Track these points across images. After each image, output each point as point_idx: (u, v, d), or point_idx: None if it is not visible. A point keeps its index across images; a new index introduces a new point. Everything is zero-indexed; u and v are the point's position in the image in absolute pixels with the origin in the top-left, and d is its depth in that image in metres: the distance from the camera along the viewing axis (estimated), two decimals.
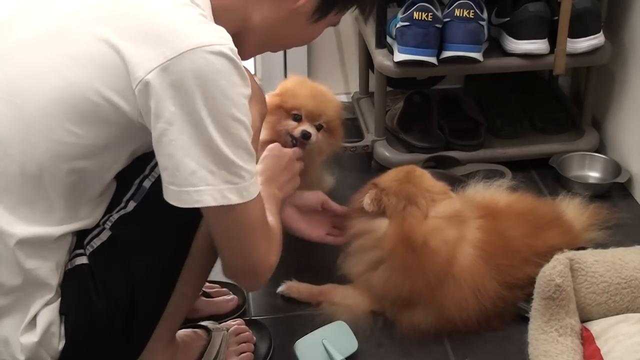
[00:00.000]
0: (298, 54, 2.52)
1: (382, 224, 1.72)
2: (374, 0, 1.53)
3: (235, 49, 1.23)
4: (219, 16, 1.32)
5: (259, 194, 1.31)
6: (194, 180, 1.21)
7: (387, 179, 1.77)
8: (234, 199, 1.24)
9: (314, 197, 1.83)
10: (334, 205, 1.85)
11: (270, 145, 1.70)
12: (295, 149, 1.78)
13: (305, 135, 1.86)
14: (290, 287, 1.86)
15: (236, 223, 1.29)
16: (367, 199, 1.72)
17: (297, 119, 1.88)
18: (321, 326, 1.70)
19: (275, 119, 1.88)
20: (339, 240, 1.84)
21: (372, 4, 1.52)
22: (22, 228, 1.26)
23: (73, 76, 1.22)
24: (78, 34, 1.24)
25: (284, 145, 1.81)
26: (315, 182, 1.97)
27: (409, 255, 1.68)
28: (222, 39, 1.22)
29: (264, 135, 1.81)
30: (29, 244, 1.26)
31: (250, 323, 1.74)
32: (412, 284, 1.70)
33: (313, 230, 1.84)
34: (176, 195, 1.23)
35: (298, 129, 1.87)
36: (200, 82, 1.19)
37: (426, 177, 1.78)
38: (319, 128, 1.89)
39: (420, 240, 1.68)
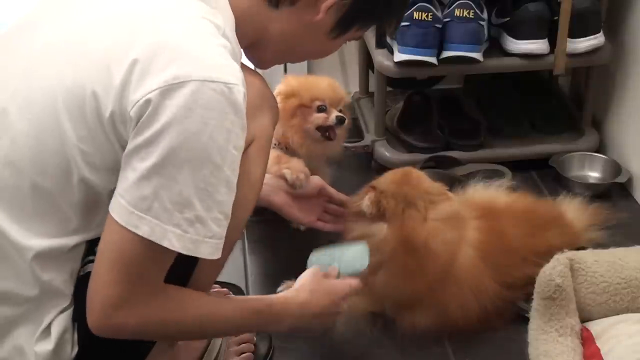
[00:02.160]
0: None
1: (381, 228, 1.71)
2: (398, 17, 1.51)
3: (245, 92, 1.21)
4: (240, 26, 1.32)
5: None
6: (143, 205, 1.17)
7: (384, 181, 1.77)
8: (175, 245, 1.19)
9: (311, 182, 1.84)
10: (331, 191, 1.86)
11: (337, 285, 1.53)
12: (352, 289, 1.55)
13: (342, 120, 1.91)
14: (289, 286, 1.85)
15: (147, 265, 1.21)
16: (366, 202, 1.72)
17: (323, 109, 1.91)
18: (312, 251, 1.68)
19: (301, 119, 1.91)
20: (329, 227, 1.86)
21: (398, 20, 1.51)
22: (37, 241, 1.25)
23: (82, 92, 1.20)
24: (93, 48, 1.22)
25: (313, 141, 1.88)
26: (317, 173, 1.99)
27: (410, 258, 1.68)
28: (233, 78, 1.19)
29: (295, 140, 1.89)
30: (45, 256, 1.26)
31: None
32: (414, 286, 1.70)
33: (305, 215, 1.86)
34: (120, 210, 1.19)
35: (331, 116, 1.91)
36: (192, 116, 1.16)
37: (423, 179, 1.78)
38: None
39: (421, 242, 1.68)
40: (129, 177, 1.19)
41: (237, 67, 1.23)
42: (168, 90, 1.16)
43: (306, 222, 1.87)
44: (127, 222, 1.18)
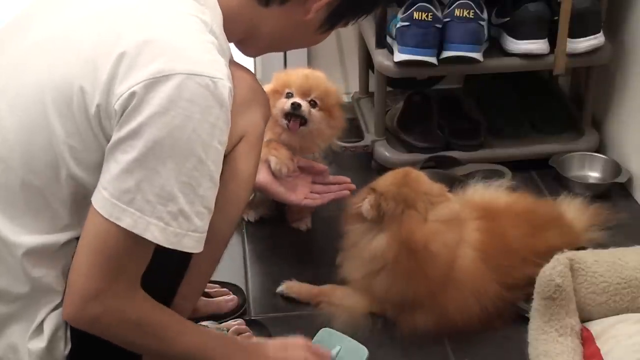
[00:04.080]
0: (298, 53, 2.52)
1: (380, 241, 1.70)
2: (384, 4, 1.52)
3: (231, 87, 1.22)
4: (229, 25, 1.32)
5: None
6: (126, 198, 1.18)
7: (384, 183, 1.76)
8: (157, 237, 1.19)
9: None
10: (307, 162, 1.86)
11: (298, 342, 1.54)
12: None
13: (295, 106, 1.87)
14: (289, 286, 1.86)
15: (127, 257, 1.22)
16: (365, 205, 1.70)
17: (289, 96, 1.89)
18: (325, 327, 1.70)
19: (271, 104, 1.89)
20: (317, 202, 1.88)
21: (383, 7, 1.52)
22: (28, 238, 1.26)
23: (70, 87, 1.20)
24: (81, 44, 1.23)
25: (283, 131, 1.86)
26: None
27: (411, 260, 1.67)
28: (218, 73, 1.20)
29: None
30: (36, 252, 1.26)
31: (250, 323, 1.74)
32: (415, 289, 1.70)
33: (291, 193, 1.87)
34: (103, 202, 1.19)
35: (288, 102, 1.88)
36: (177, 109, 1.16)
37: (423, 180, 1.77)
38: (313, 105, 1.90)
39: (421, 243, 1.67)
40: (111, 169, 1.19)
41: (224, 63, 1.24)
42: (153, 84, 1.16)
43: (293, 200, 1.88)
44: (110, 214, 1.18)
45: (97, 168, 1.24)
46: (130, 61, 1.18)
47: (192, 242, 1.23)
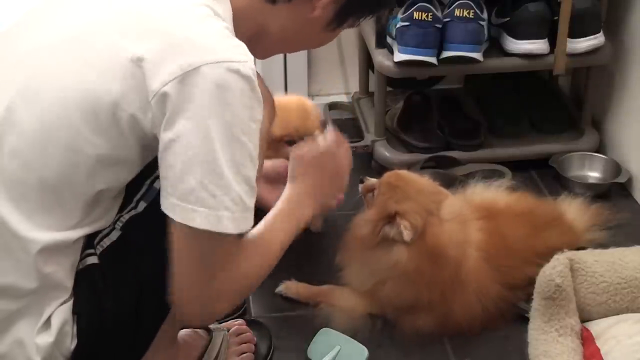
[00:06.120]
0: (298, 53, 2.52)
1: (400, 253, 1.68)
2: (389, 5, 1.52)
3: (255, 68, 1.23)
4: (238, 22, 1.33)
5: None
6: (192, 198, 1.20)
7: (392, 201, 1.70)
8: (230, 227, 1.22)
9: (283, 165, 1.83)
10: None
11: (325, 142, 1.58)
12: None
13: None
14: (288, 286, 1.86)
15: (217, 253, 1.26)
16: (405, 231, 1.65)
17: (291, 143, 1.88)
18: (324, 327, 1.71)
19: (272, 153, 1.85)
20: None
21: (388, 8, 1.52)
22: (42, 234, 1.26)
23: (95, 88, 1.22)
24: (100, 43, 1.24)
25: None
26: None
27: (434, 266, 1.67)
28: (243, 56, 1.22)
29: (268, 167, 1.81)
30: (50, 249, 1.27)
31: (250, 323, 1.74)
32: (430, 294, 1.69)
33: (272, 195, 1.85)
34: (172, 208, 1.22)
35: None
36: (213, 99, 1.18)
37: (415, 178, 1.76)
38: None
39: (444, 248, 1.67)
40: (169, 175, 1.21)
41: (243, 45, 1.25)
42: (184, 79, 1.18)
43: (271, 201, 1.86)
44: (183, 217, 1.21)
45: (117, 164, 1.26)
46: (156, 59, 1.20)
47: (249, 222, 1.26)
